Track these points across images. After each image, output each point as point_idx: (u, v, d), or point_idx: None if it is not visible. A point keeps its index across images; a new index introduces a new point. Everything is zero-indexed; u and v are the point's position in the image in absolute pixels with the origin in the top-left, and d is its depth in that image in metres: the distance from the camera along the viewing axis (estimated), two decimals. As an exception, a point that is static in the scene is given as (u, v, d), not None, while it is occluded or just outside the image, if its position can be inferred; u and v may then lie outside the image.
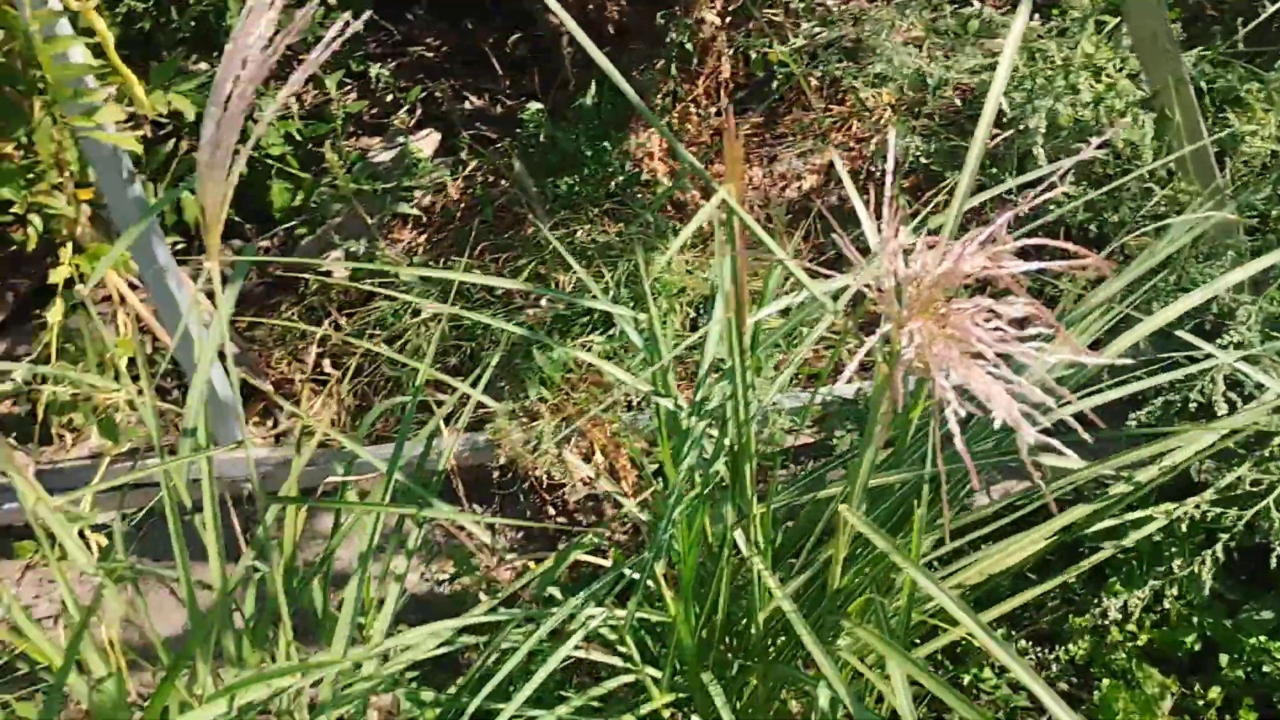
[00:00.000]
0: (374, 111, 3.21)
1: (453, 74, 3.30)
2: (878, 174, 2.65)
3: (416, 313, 2.51)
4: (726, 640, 1.46)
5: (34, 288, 2.92)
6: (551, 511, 2.18)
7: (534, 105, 2.80)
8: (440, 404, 2.36)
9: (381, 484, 1.54)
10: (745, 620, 1.46)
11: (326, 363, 2.62)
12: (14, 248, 2.82)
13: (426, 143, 3.06)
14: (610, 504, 2.15)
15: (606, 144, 2.68)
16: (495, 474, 2.22)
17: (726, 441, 1.36)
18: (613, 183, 2.70)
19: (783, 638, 1.41)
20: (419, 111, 3.18)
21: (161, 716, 1.34)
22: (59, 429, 2.46)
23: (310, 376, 2.59)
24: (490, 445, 2.21)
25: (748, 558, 1.33)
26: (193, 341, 2.14)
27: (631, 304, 2.30)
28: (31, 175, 2.21)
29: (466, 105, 3.23)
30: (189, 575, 1.39)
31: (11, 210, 2.28)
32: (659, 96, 2.80)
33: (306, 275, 2.82)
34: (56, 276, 2.28)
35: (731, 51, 2.86)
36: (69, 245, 2.30)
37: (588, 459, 2.16)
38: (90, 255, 2.24)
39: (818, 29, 2.60)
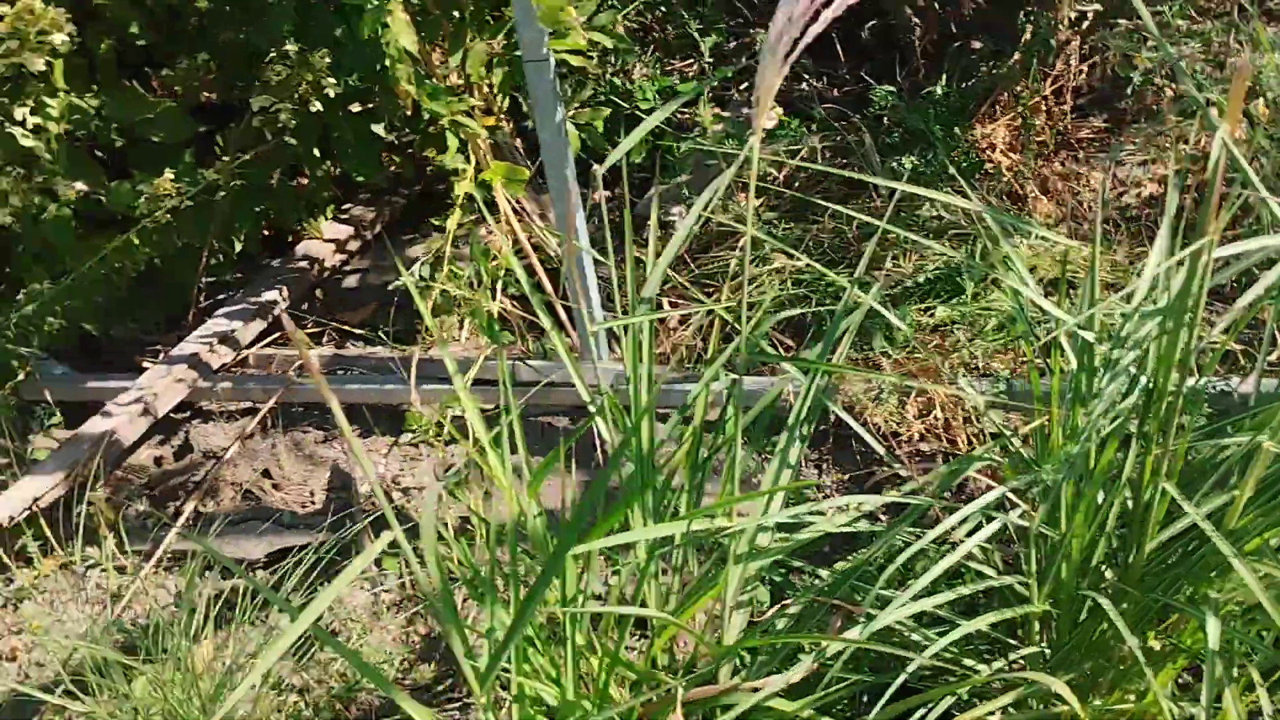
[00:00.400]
0: (714, 85, 3.41)
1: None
2: (1224, 189, 2.67)
3: (763, 261, 2.68)
4: (1105, 565, 1.56)
5: (405, 205, 3.25)
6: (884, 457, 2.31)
7: (885, 88, 2.94)
8: (790, 349, 2.54)
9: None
10: (1122, 548, 1.55)
11: (665, 302, 2.82)
12: (393, 168, 3.14)
13: (766, 123, 3.24)
14: (942, 459, 2.26)
15: (956, 129, 2.80)
16: (832, 418, 2.36)
17: (1143, 379, 1.46)
18: (952, 168, 2.81)
19: (1167, 564, 1.50)
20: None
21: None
22: (435, 328, 2.73)
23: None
24: (832, 389, 2.35)
25: (1151, 482, 1.42)
26: (582, 264, 2.36)
27: (983, 275, 2.41)
28: (454, 97, 2.48)
29: (803, 86, 3.40)
30: (640, 434, 1.57)
31: (437, 124, 2.56)
32: (1007, 93, 2.90)
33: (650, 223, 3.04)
34: (459, 190, 2.55)
35: (1081, 56, 2.94)
36: (471, 163, 2.57)
37: (924, 414, 2.28)
38: (493, 173, 2.50)
39: (1185, 40, 2.64)
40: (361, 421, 2.68)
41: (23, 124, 2.36)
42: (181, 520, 2.46)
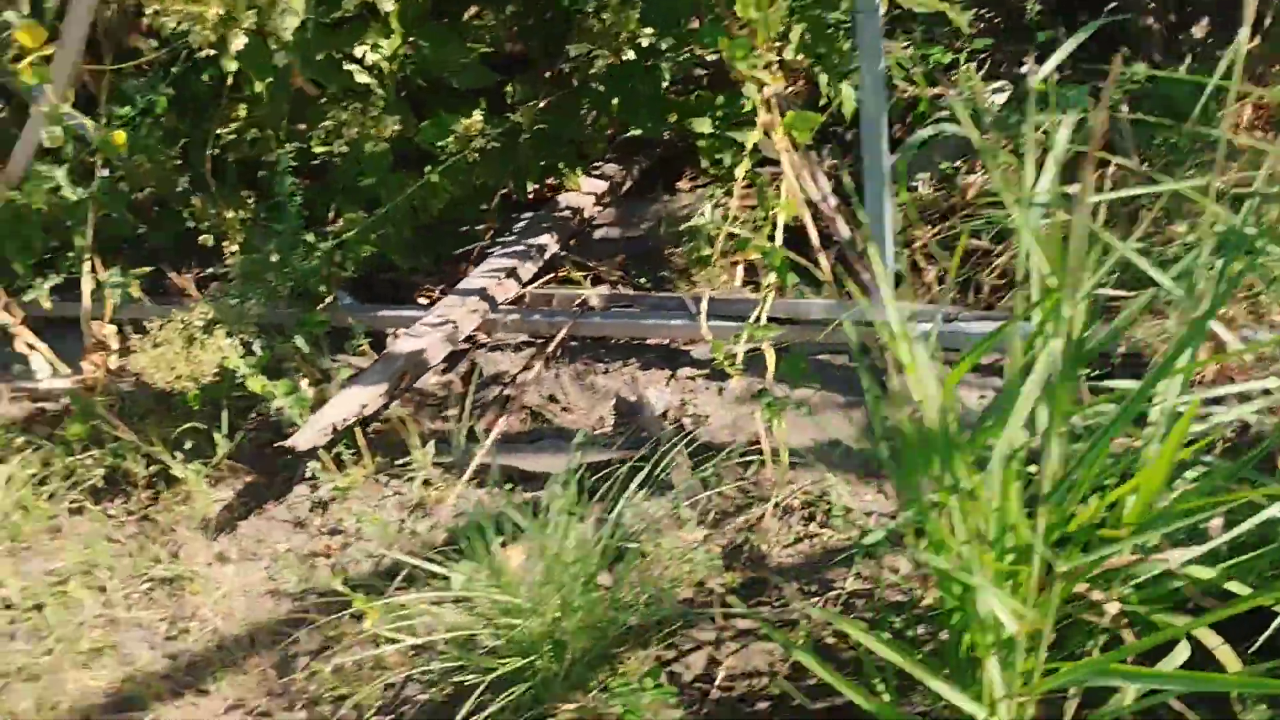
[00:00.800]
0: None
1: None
2: None
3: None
4: None
5: (648, 166, 3.43)
6: (1171, 398, 2.44)
7: (1139, 66, 3.08)
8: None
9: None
10: None
11: (920, 258, 2.97)
12: (635, 132, 3.30)
13: (998, 96, 3.39)
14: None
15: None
16: (1118, 360, 2.50)
17: None
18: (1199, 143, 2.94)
19: None
20: (984, 67, 3.52)
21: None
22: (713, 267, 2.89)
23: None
24: (1115, 333, 2.49)
25: None
26: (881, 208, 2.52)
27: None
28: (752, 48, 2.64)
29: (1023, 67, 3.55)
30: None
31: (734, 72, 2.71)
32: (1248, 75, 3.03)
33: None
34: (750, 139, 2.71)
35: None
36: (760, 116, 2.73)
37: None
38: (788, 122, 2.66)
39: None
40: (639, 356, 2.85)
41: (361, 61, 2.55)
42: (490, 439, 2.62)
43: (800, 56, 2.68)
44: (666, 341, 2.86)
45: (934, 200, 3.16)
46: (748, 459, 2.52)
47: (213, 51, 2.33)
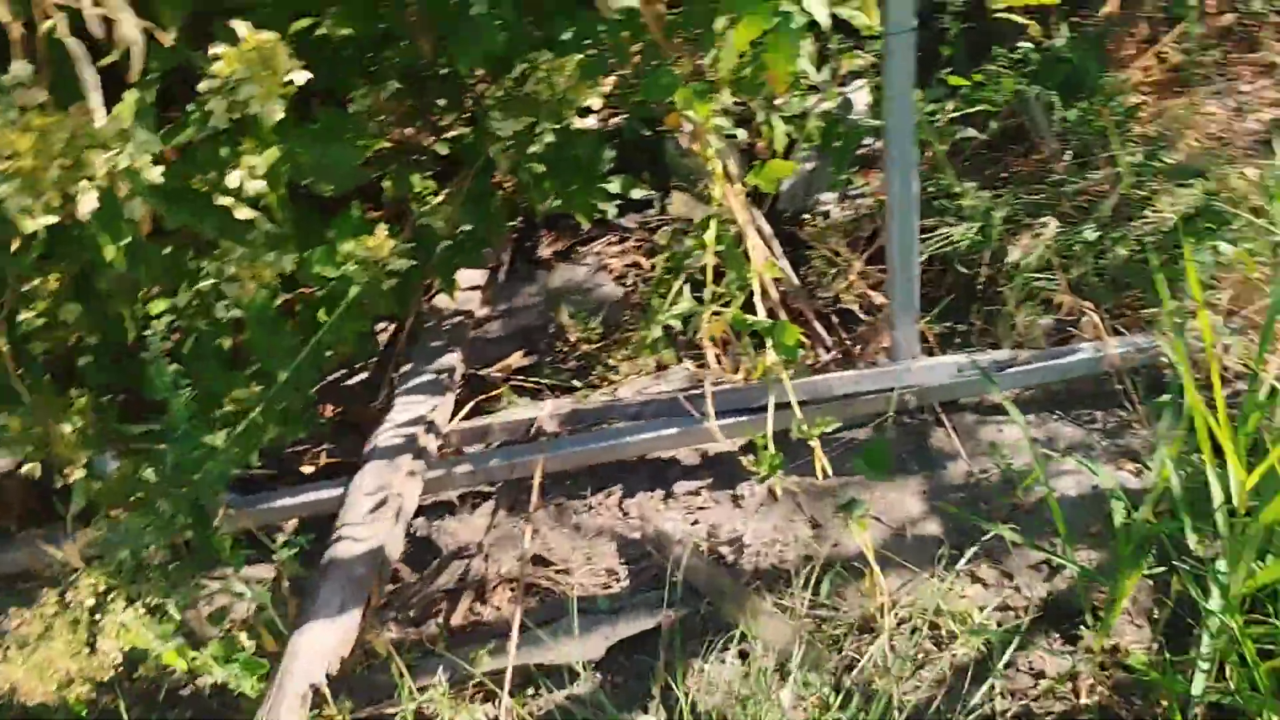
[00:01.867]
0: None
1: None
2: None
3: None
4: None
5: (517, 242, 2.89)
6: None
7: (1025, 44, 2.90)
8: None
9: None
10: None
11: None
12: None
13: (859, 96, 3.11)
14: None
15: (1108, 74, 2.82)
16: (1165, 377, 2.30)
17: None
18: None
19: None
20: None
21: None
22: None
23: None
24: (1151, 347, 2.29)
25: None
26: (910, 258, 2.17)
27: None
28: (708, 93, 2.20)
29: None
30: None
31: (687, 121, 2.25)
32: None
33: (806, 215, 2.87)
34: (716, 193, 2.28)
35: None
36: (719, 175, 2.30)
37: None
38: (760, 175, 2.25)
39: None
40: (618, 480, 2.35)
41: (239, 191, 1.87)
42: (513, 636, 2.02)
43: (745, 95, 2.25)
44: (640, 454, 2.37)
45: (846, 223, 2.84)
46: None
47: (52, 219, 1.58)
